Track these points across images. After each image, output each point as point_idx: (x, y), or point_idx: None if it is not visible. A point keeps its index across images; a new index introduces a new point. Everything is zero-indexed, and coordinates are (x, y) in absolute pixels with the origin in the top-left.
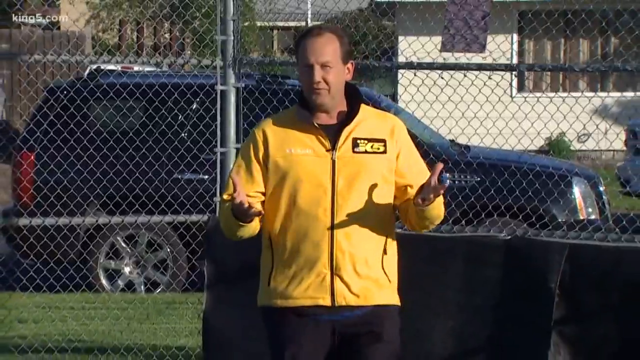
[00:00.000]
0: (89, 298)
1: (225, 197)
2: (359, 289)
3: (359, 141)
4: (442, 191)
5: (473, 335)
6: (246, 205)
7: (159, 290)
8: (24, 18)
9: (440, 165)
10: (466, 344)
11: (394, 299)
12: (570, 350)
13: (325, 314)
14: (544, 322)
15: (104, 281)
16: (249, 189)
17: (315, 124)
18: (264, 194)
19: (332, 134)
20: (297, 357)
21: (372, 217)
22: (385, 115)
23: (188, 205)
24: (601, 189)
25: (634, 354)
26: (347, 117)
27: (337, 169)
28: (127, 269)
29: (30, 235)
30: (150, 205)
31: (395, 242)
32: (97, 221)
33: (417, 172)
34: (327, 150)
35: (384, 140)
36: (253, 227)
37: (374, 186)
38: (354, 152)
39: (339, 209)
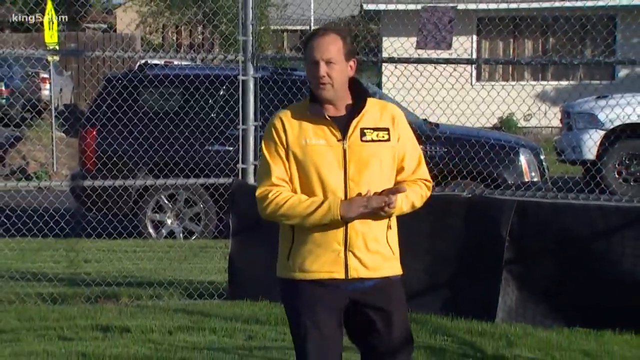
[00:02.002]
0: (139, 243)
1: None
2: (370, 262)
3: (365, 131)
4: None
5: (442, 274)
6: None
7: (194, 237)
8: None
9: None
10: (435, 280)
11: (398, 269)
12: (517, 284)
13: (340, 284)
14: (496, 262)
15: (150, 230)
16: (286, 174)
17: (327, 117)
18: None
19: (342, 125)
20: (312, 322)
21: None
22: (386, 105)
23: (217, 171)
24: (542, 157)
25: (565, 285)
26: (354, 109)
27: (348, 157)
28: (169, 221)
29: (92, 194)
30: (187, 171)
31: (395, 218)
32: (145, 183)
33: (410, 157)
34: (339, 140)
35: (387, 129)
36: None
37: (380, 170)
38: (362, 140)
39: (351, 192)
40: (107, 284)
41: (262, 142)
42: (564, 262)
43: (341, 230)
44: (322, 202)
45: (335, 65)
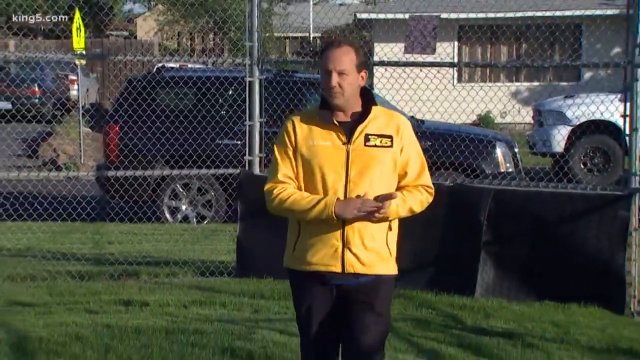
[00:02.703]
0: (157, 227)
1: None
2: (366, 259)
3: (370, 136)
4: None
5: (427, 254)
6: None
7: (206, 221)
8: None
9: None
10: (421, 259)
11: (393, 269)
12: (494, 263)
13: (336, 278)
14: (475, 243)
15: (167, 215)
16: (292, 172)
17: (335, 122)
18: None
19: (348, 130)
20: (312, 307)
21: None
22: (393, 114)
23: (226, 162)
24: (516, 150)
25: (537, 264)
26: (361, 116)
27: (351, 160)
28: (183, 207)
29: (116, 183)
30: (199, 162)
31: (397, 220)
32: (162, 173)
33: (413, 164)
34: (344, 144)
35: (391, 137)
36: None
37: (381, 174)
38: (365, 145)
39: (351, 192)
40: (129, 263)
41: (275, 142)
42: (535, 244)
43: (339, 227)
44: (320, 200)
45: (347, 76)
